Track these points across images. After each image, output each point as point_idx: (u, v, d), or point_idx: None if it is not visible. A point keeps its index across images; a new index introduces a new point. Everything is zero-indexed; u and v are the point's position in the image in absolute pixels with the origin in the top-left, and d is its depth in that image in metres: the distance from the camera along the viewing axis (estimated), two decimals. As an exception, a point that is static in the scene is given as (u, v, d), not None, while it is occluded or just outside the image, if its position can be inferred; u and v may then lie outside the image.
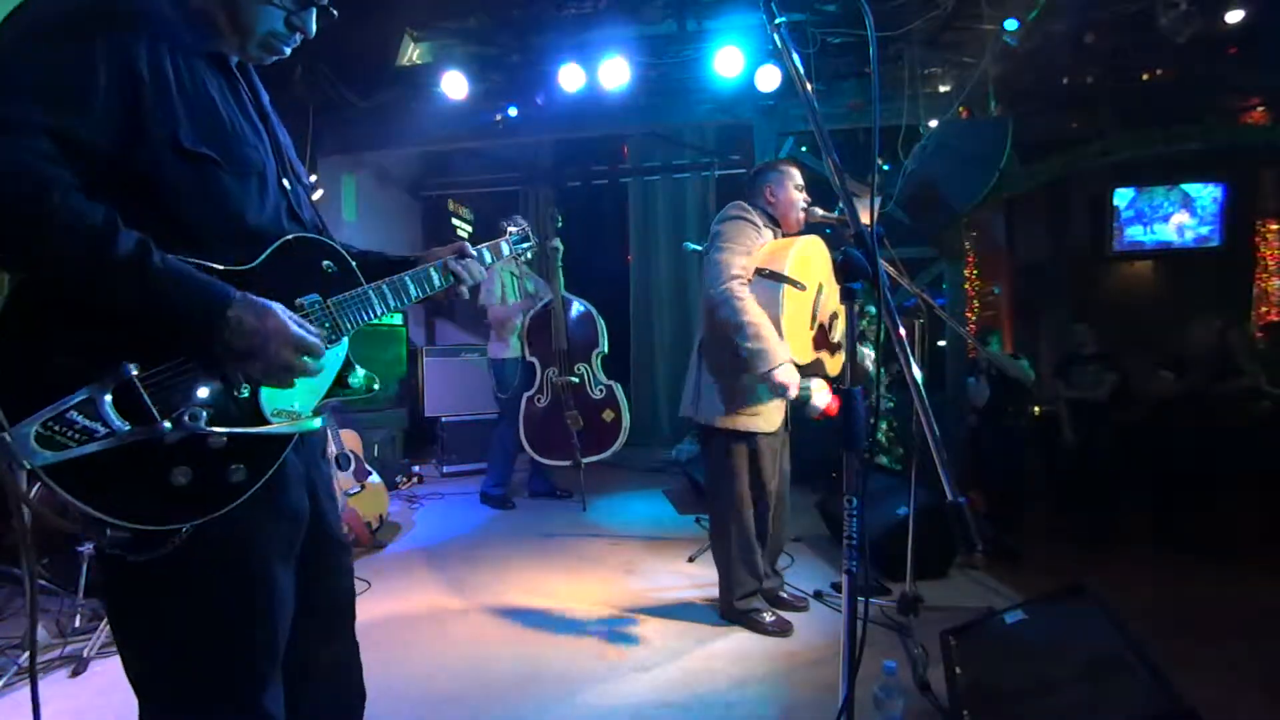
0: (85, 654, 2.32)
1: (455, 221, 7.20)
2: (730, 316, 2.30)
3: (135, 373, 0.84)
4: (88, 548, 2.65)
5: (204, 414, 0.88)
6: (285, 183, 1.09)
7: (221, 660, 0.99)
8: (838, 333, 2.52)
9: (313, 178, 4.55)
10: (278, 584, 1.03)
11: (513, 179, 7.04)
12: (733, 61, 4.37)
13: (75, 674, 2.27)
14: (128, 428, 0.84)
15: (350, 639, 1.28)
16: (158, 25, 0.92)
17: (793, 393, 2.29)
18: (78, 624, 2.56)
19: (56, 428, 0.81)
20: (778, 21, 1.20)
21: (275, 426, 0.97)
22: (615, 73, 4.47)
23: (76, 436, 0.82)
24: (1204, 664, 2.24)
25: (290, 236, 1.04)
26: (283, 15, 1.03)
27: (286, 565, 1.06)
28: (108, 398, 0.83)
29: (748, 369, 2.30)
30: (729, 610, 2.67)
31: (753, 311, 2.28)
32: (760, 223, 2.51)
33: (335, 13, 1.09)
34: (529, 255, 1.69)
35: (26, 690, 2.18)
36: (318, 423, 1.05)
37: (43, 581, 2.77)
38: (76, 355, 0.84)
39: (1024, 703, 1.78)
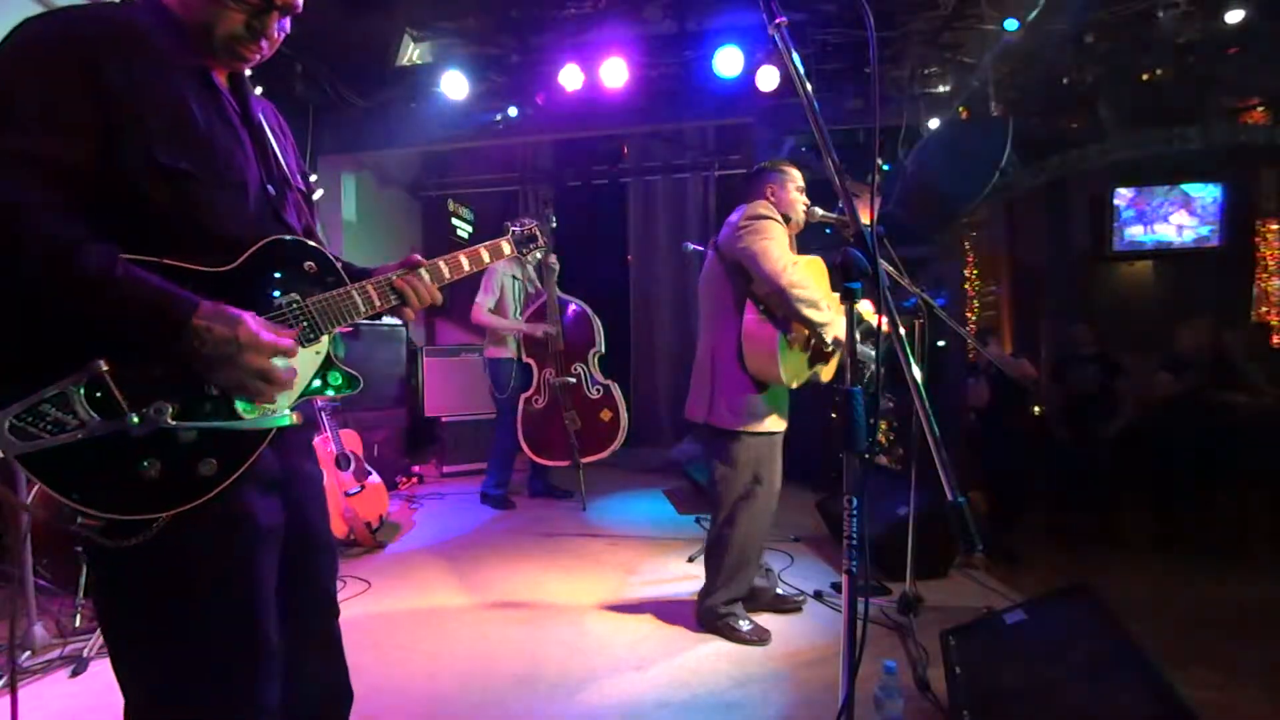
0: (85, 654, 2.33)
1: (455, 221, 7.19)
2: (804, 295, 2.35)
3: (105, 368, 0.87)
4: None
5: (169, 408, 0.90)
6: (270, 188, 1.09)
7: (201, 652, 0.98)
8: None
9: (313, 177, 4.54)
10: (259, 579, 1.03)
11: (513, 179, 7.04)
12: (733, 61, 4.37)
13: (75, 674, 2.28)
14: (97, 420, 0.87)
15: (334, 641, 1.26)
16: (131, 43, 0.94)
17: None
18: (78, 624, 2.57)
19: (30, 419, 0.84)
20: (778, 22, 1.20)
21: (245, 421, 0.97)
22: (615, 73, 4.47)
23: (49, 428, 0.85)
24: (1204, 664, 2.24)
25: (270, 239, 1.04)
26: (242, 19, 1.02)
27: (268, 561, 1.05)
28: (80, 392, 0.86)
29: (818, 336, 2.45)
30: (706, 615, 2.61)
31: (817, 288, 2.41)
32: (784, 225, 2.51)
33: (299, 6, 1.06)
34: (537, 258, 1.67)
35: (27, 690, 2.19)
36: (289, 418, 1.03)
37: (43, 581, 2.78)
38: (52, 352, 0.87)
39: (1024, 703, 1.78)
